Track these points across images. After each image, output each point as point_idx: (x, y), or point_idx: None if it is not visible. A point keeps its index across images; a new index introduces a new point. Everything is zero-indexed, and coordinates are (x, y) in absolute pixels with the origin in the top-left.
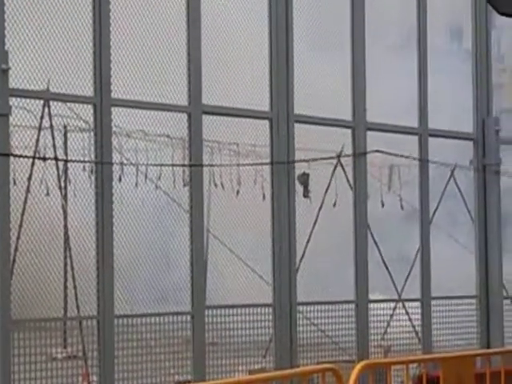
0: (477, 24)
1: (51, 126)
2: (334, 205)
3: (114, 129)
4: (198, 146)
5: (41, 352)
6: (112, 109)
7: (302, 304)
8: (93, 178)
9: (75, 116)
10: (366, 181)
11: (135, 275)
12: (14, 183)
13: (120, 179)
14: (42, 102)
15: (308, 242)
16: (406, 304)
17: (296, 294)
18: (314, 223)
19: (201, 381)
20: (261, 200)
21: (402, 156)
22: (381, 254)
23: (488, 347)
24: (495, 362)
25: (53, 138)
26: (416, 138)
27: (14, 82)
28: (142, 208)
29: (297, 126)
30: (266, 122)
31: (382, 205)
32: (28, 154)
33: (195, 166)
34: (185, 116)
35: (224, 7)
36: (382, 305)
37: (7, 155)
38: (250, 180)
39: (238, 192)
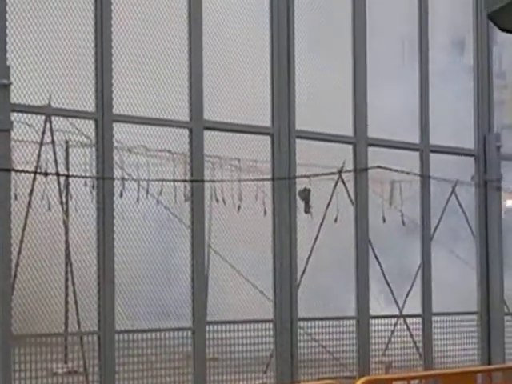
0: (478, 40)
1: (53, 141)
2: (336, 220)
3: (115, 144)
4: (199, 162)
5: (41, 367)
6: (113, 124)
7: (303, 320)
8: (94, 193)
9: (77, 131)
10: (368, 196)
11: (136, 290)
12: (16, 198)
13: (121, 194)
14: (43, 117)
15: (309, 257)
16: (407, 320)
17: (297, 309)
18: (315, 239)
19: None
20: (262, 215)
21: (403, 172)
22: (382, 270)
23: (489, 363)
24: (496, 378)
25: (54, 153)
26: (417, 153)
27: (15, 97)
28: (143, 223)
29: (298, 141)
30: (268, 138)
31: (384, 220)
32: (29, 169)
33: (196, 181)
34: (186, 131)
35: (226, 24)
36: (383, 320)
37: (9, 170)
38: (251, 195)
39: (239, 207)
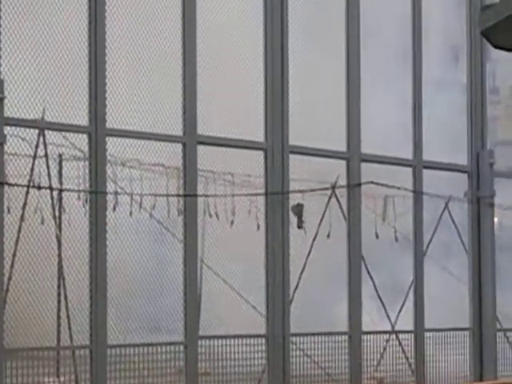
0: (472, 56)
1: (46, 155)
2: (328, 236)
3: (108, 158)
4: (192, 176)
5: (33, 381)
6: (107, 138)
7: (296, 335)
8: (87, 206)
9: (70, 145)
10: (360, 212)
11: (128, 305)
12: (9, 211)
13: (114, 208)
14: (37, 130)
15: (302, 272)
16: (400, 335)
17: (289, 324)
18: (308, 254)
19: None
20: (255, 230)
21: (396, 187)
22: (375, 286)
23: (481, 380)
24: None
25: (47, 167)
26: (410, 169)
27: (9, 111)
28: (136, 237)
29: (291, 156)
30: (261, 153)
31: (377, 236)
32: (23, 183)
33: (190, 195)
34: (180, 146)
35: (219, 40)
36: (376, 336)
37: (2, 184)
38: (244, 210)
39: (232, 222)
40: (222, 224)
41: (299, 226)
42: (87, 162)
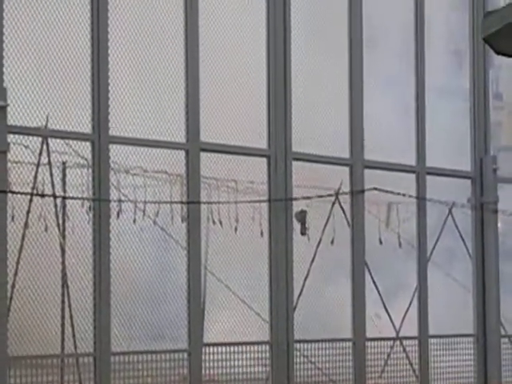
0: (475, 63)
1: (49, 163)
2: (332, 242)
3: (112, 165)
4: (195, 183)
5: None
6: (110, 145)
7: (300, 342)
8: (91, 214)
9: (73, 153)
10: (364, 218)
11: (132, 312)
12: (12, 219)
13: (118, 216)
14: (40, 138)
15: (306, 279)
16: (404, 342)
17: (293, 331)
18: (312, 260)
19: None
20: (259, 237)
21: (399, 194)
22: (378, 292)
23: None
24: None
25: (51, 175)
26: (414, 175)
27: (12, 119)
28: (139, 244)
29: (295, 163)
30: (264, 160)
31: (380, 242)
32: (26, 191)
33: (193, 202)
34: (183, 153)
35: (222, 48)
36: (380, 343)
37: (5, 192)
38: (247, 217)
39: (235, 229)
40: (226, 231)
41: (303, 233)
42: (90, 170)
